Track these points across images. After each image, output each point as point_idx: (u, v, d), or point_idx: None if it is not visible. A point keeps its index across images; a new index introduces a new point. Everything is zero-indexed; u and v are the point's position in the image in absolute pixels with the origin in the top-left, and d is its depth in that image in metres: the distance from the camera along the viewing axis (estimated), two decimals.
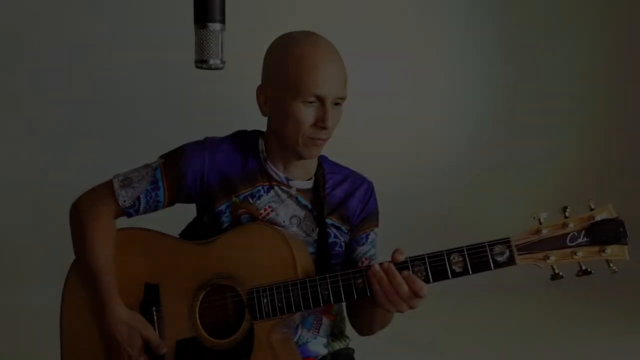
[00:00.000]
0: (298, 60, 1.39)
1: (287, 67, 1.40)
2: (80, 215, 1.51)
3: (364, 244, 1.56)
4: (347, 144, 4.15)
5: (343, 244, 1.55)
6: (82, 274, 1.49)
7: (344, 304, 1.59)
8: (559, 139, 4.60)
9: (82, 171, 4.06)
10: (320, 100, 1.40)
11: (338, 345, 1.61)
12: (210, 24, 1.31)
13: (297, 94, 1.39)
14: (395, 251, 1.32)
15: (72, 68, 4.02)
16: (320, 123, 1.41)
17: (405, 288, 1.27)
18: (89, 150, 4.09)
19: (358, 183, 1.58)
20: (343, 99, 1.44)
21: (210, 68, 1.34)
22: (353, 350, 1.65)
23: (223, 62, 1.35)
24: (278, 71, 1.43)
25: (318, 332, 1.56)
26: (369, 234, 1.57)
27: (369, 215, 1.57)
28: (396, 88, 4.44)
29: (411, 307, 1.30)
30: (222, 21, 1.33)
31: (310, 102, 1.40)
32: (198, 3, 1.32)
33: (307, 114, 1.40)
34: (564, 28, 4.51)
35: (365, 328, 1.53)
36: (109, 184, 1.51)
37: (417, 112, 4.47)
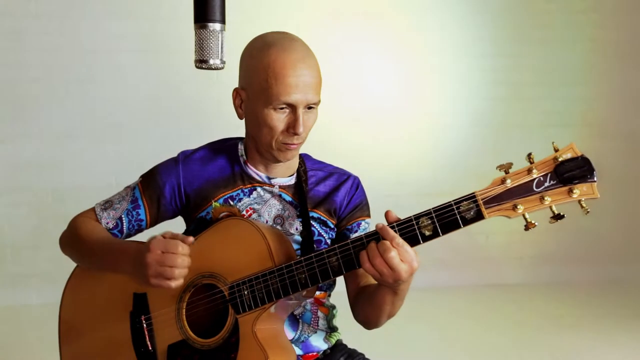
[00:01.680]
0: (267, 66, 1.37)
1: (258, 73, 1.39)
2: (71, 233, 1.53)
3: (356, 232, 1.56)
4: (347, 144, 4.16)
5: (329, 241, 1.55)
6: (88, 275, 1.51)
7: (335, 300, 1.60)
8: (558, 139, 4.59)
9: (82, 171, 4.08)
10: (291, 107, 1.39)
11: (334, 339, 1.62)
12: (210, 24, 1.31)
13: (267, 101, 1.38)
14: (387, 214, 1.30)
15: (72, 68, 4.02)
16: (292, 129, 1.40)
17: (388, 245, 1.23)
18: (90, 150, 4.09)
19: (343, 178, 1.58)
20: (315, 104, 1.42)
21: (210, 68, 1.33)
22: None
23: (223, 62, 1.34)
24: (250, 76, 1.42)
25: (317, 325, 1.57)
26: (360, 223, 1.57)
27: (357, 206, 1.57)
28: (395, 88, 4.44)
29: (395, 276, 1.24)
30: (222, 21, 1.33)
31: (282, 109, 1.39)
32: (198, 3, 1.31)
33: (278, 120, 1.40)
34: (563, 27, 4.50)
35: (372, 319, 1.49)
36: (91, 211, 1.55)
37: (417, 113, 4.46)
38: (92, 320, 1.51)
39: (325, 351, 1.58)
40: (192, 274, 1.41)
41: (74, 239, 1.51)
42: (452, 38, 4.42)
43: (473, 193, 1.24)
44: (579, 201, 1.19)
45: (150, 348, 1.44)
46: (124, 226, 1.51)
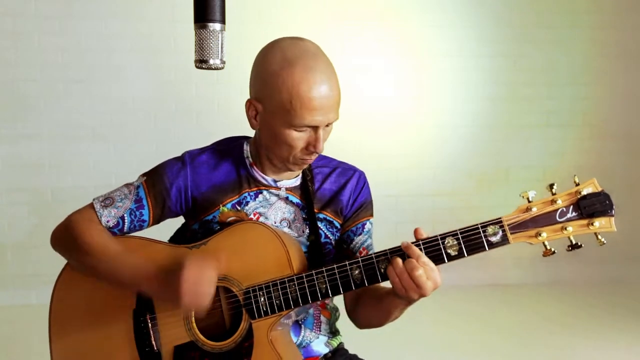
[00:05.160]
0: (291, 88, 1.33)
1: (280, 93, 1.34)
2: (69, 232, 1.45)
3: (360, 234, 1.55)
4: (347, 144, 4.16)
5: (334, 242, 1.55)
6: (77, 280, 1.45)
7: (336, 301, 1.59)
8: (558, 139, 4.60)
9: (82, 171, 4.08)
10: (313, 127, 1.38)
11: (336, 343, 1.60)
12: (210, 24, 1.31)
13: (289, 122, 1.36)
14: (415, 231, 1.32)
15: (72, 68, 4.03)
16: (312, 148, 1.39)
17: (418, 267, 1.25)
18: (89, 150, 4.09)
19: (349, 174, 1.56)
20: (334, 120, 1.41)
21: (210, 68, 1.32)
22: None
23: (223, 62, 1.33)
24: (270, 92, 1.37)
25: (320, 330, 1.55)
26: (365, 224, 1.56)
27: (362, 205, 1.56)
28: (395, 88, 4.44)
29: (421, 292, 1.26)
30: (222, 21, 1.32)
31: (303, 130, 1.38)
32: (198, 3, 1.31)
33: (298, 139, 1.38)
34: (563, 27, 4.50)
35: (375, 322, 1.49)
36: (89, 206, 1.47)
37: (417, 113, 4.46)
38: (88, 315, 1.46)
39: (326, 355, 1.57)
40: None
41: (74, 243, 1.43)
42: (451, 38, 4.42)
43: (500, 218, 1.29)
44: (596, 233, 1.27)
45: (155, 348, 1.41)
46: (125, 225, 1.46)
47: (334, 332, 1.61)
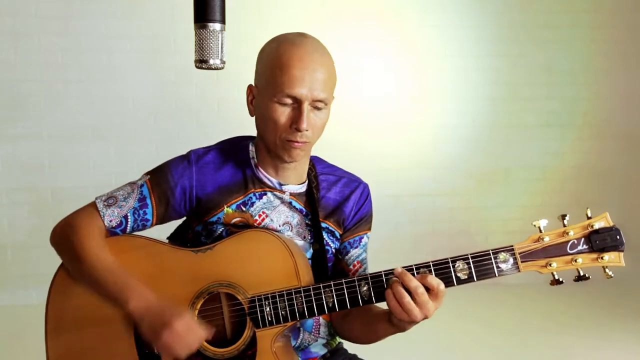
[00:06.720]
0: (274, 59, 1.36)
1: (266, 66, 1.39)
2: (68, 234, 1.42)
3: (356, 247, 1.54)
4: (347, 144, 4.16)
5: (334, 250, 1.54)
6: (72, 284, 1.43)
7: None
8: (558, 139, 4.60)
9: (82, 171, 4.08)
10: (296, 101, 1.36)
11: (334, 343, 1.60)
12: (210, 24, 1.30)
13: (272, 93, 1.36)
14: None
15: (72, 68, 4.03)
16: (294, 125, 1.36)
17: (422, 289, 1.25)
18: (89, 150, 4.09)
19: (353, 185, 1.55)
20: (323, 102, 1.38)
21: (210, 68, 1.32)
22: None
23: (223, 62, 1.33)
24: (261, 71, 1.41)
25: (319, 333, 1.54)
26: (362, 237, 1.56)
27: (363, 218, 1.55)
28: (395, 88, 4.44)
29: (425, 315, 1.27)
30: (222, 21, 1.32)
31: (287, 104, 1.36)
32: (198, 3, 1.31)
33: (282, 114, 1.37)
34: (563, 27, 4.50)
35: (362, 341, 1.49)
36: (91, 205, 1.45)
37: (417, 113, 4.46)
38: (87, 315, 1.42)
39: (324, 355, 1.56)
40: (209, 281, 1.37)
41: (71, 248, 1.40)
42: (452, 38, 4.42)
43: (512, 246, 1.29)
44: (604, 267, 1.29)
45: (156, 351, 1.39)
46: (128, 225, 1.43)
47: (332, 334, 1.60)
